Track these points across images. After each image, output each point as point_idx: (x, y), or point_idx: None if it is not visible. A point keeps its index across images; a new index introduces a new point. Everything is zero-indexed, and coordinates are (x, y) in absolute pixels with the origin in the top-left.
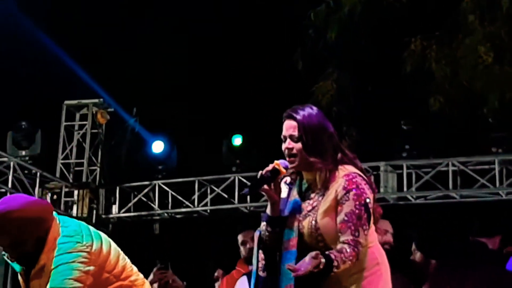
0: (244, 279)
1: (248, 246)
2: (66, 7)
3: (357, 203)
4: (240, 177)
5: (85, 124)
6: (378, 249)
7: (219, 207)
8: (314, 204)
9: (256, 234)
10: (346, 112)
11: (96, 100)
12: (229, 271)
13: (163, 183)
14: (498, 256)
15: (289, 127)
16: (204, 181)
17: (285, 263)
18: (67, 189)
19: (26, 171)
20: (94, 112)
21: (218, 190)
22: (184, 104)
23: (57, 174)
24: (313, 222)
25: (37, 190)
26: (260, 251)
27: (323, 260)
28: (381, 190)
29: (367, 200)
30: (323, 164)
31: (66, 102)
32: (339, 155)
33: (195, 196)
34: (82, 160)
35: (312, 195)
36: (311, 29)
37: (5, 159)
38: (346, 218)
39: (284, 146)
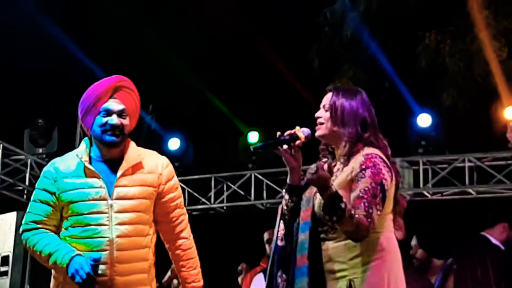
0: (260, 275)
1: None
2: (83, 5)
3: (373, 181)
4: (256, 174)
5: None
6: (388, 238)
7: (235, 203)
8: (332, 177)
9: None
10: None
11: None
12: (253, 267)
13: (179, 180)
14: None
15: (325, 98)
16: (220, 178)
17: (300, 233)
18: None
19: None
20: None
21: (234, 187)
22: (200, 101)
23: None
24: None
25: None
26: (281, 222)
27: (333, 189)
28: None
29: (383, 182)
30: (346, 136)
31: None
32: (367, 134)
33: (212, 193)
34: None
35: (334, 169)
36: (327, 26)
37: (23, 156)
38: (361, 195)
39: (316, 114)
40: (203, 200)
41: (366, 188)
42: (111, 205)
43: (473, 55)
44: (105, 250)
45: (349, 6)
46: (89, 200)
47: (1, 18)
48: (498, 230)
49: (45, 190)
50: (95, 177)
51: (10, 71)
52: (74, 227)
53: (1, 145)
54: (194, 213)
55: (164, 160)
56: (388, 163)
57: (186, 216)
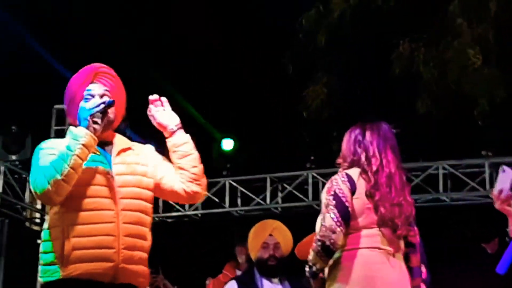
0: (233, 283)
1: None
2: (52, 9)
3: (327, 194)
4: (231, 181)
5: None
6: (351, 256)
7: (210, 211)
8: None
9: None
10: (336, 116)
11: None
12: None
13: None
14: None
15: None
16: None
17: None
18: None
19: (16, 176)
20: None
21: (209, 194)
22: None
23: None
24: None
25: (27, 194)
26: None
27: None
28: None
29: (337, 190)
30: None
31: (56, 106)
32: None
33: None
34: None
35: None
36: (301, 33)
37: None
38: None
39: None
40: (178, 207)
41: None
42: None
43: (447, 63)
44: (112, 222)
45: (323, 14)
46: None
47: None
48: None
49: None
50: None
51: None
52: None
53: None
54: (169, 220)
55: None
56: (349, 178)
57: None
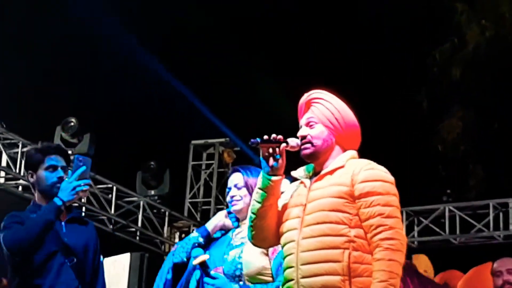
0: None
1: None
2: (190, 49)
3: None
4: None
5: (212, 163)
6: None
7: None
8: None
9: None
10: (472, 150)
11: (222, 140)
12: None
13: None
14: None
15: None
16: None
17: None
18: (195, 228)
19: (155, 210)
20: (220, 151)
21: None
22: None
23: (185, 213)
24: None
25: (166, 229)
26: None
27: None
28: (511, 227)
29: None
30: None
31: (193, 142)
32: None
33: None
34: (209, 199)
35: None
36: (435, 67)
37: (135, 198)
38: None
39: None
40: None
41: None
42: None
43: None
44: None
45: (458, 47)
46: None
47: (112, 61)
48: None
49: None
50: None
51: (122, 114)
52: None
53: (115, 187)
54: None
55: None
56: None
57: None
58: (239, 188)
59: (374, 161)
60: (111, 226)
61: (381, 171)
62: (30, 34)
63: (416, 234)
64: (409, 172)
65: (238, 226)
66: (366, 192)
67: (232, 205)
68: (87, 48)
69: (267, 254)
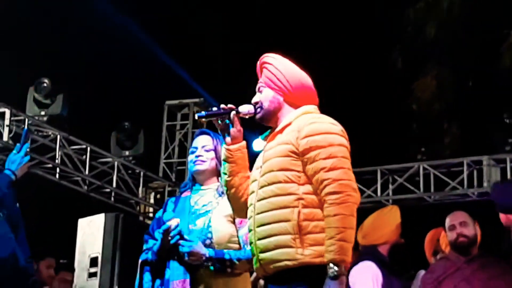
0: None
1: None
2: (164, 9)
3: None
4: None
5: (187, 124)
6: None
7: None
8: None
9: None
10: (447, 108)
11: (197, 100)
12: None
13: None
14: None
15: None
16: None
17: None
18: (170, 188)
19: (129, 171)
20: (195, 111)
21: None
22: None
23: (160, 174)
24: None
25: (140, 189)
26: None
27: None
28: (485, 184)
29: None
30: None
31: (168, 102)
32: None
33: None
34: (184, 159)
35: None
36: (409, 26)
37: (110, 159)
38: None
39: None
40: None
41: None
42: None
43: None
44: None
45: (432, 5)
46: None
47: (85, 21)
48: None
49: None
50: None
51: (96, 74)
52: None
53: (89, 148)
54: None
55: None
56: None
57: None
58: (207, 151)
59: (348, 120)
60: (85, 187)
61: (325, 123)
62: None
63: (390, 193)
64: (384, 131)
65: (197, 192)
66: (309, 147)
67: (196, 164)
68: (61, 8)
69: (233, 222)
